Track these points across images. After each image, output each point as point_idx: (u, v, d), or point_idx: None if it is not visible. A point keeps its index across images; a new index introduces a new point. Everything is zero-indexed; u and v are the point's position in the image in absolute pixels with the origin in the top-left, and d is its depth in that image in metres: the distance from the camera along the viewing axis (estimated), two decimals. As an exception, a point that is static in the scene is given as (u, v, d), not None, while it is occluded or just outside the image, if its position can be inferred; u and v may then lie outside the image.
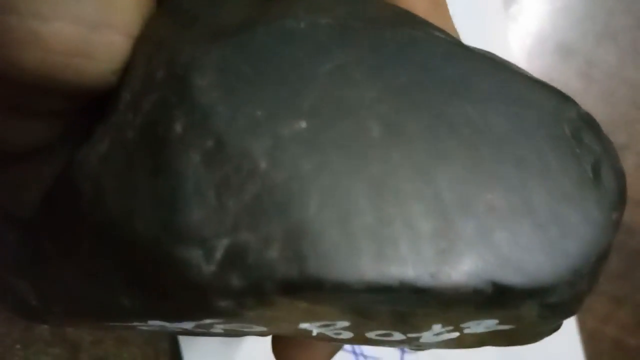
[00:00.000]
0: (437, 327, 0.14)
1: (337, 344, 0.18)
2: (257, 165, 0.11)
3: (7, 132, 0.14)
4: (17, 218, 0.15)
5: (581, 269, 0.13)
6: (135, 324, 0.14)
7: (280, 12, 0.13)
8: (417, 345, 0.15)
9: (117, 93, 0.13)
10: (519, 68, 0.15)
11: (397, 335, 0.14)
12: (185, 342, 0.27)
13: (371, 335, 0.15)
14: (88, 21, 0.12)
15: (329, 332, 0.14)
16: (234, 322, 0.13)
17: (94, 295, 0.13)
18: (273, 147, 0.12)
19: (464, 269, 0.12)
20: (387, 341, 0.15)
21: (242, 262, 0.11)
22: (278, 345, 0.18)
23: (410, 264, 0.12)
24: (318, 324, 0.14)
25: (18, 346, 0.27)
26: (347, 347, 0.28)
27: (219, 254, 0.11)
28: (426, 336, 0.14)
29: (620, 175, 0.14)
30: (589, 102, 0.33)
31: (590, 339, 0.31)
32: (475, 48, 0.14)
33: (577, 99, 0.15)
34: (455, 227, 0.12)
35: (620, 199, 0.14)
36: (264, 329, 0.14)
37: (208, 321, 0.13)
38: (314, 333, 0.14)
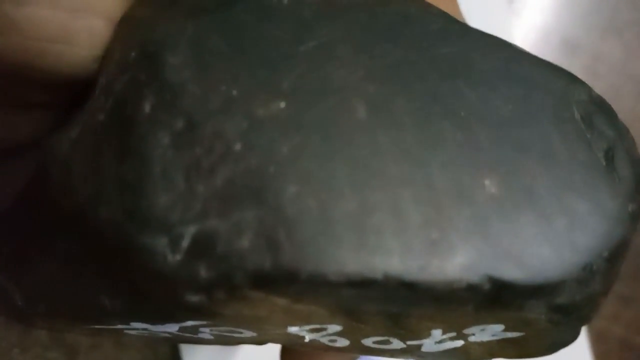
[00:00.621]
0: (437, 333, 0.13)
1: (351, 356, 0.18)
2: (231, 148, 0.11)
3: (4, 122, 0.13)
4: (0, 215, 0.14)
5: (592, 265, 0.12)
6: (119, 326, 0.13)
7: None
8: (420, 357, 0.15)
9: (95, 79, 0.12)
10: (524, 50, 0.14)
11: (396, 343, 0.14)
12: (185, 346, 0.27)
13: (368, 342, 0.14)
14: (67, 5, 0.11)
15: (322, 338, 0.14)
16: (216, 325, 0.12)
17: (75, 294, 0.13)
18: (248, 128, 0.11)
19: (457, 261, 0.11)
20: (387, 350, 0.14)
21: (211, 252, 0.10)
22: (286, 358, 0.18)
23: (397, 255, 0.11)
24: (307, 327, 0.13)
25: (16, 350, 0.27)
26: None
27: (185, 242, 0.11)
28: (428, 344, 0.14)
29: (637, 164, 0.13)
30: (594, 97, 0.33)
31: (597, 339, 0.31)
32: (476, 29, 0.13)
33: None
34: (448, 215, 0.11)
35: (638, 188, 0.13)
36: (253, 334, 0.14)
37: (190, 323, 0.12)
38: (307, 339, 0.14)
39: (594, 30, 0.35)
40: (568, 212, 0.12)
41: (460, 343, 0.13)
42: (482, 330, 0.13)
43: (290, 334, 0.13)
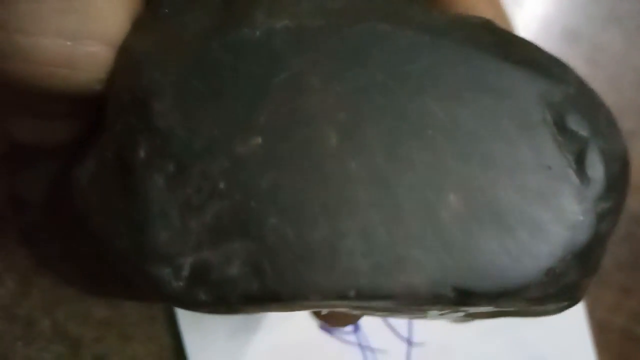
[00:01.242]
0: (434, 313, 0.14)
1: None
2: (216, 186, 0.12)
3: (28, 132, 0.15)
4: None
5: (554, 269, 0.12)
6: None
7: (240, 16, 0.13)
8: (432, 318, 0.15)
9: (104, 107, 0.14)
10: (518, 40, 0.14)
11: (403, 315, 0.15)
12: (189, 338, 0.27)
13: (377, 314, 0.15)
14: (69, 34, 0.13)
15: (336, 309, 0.15)
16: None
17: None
18: (230, 166, 0.12)
19: (422, 276, 0.12)
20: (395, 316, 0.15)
21: (207, 279, 0.12)
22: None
23: (366, 275, 0.12)
24: (318, 309, 0.14)
25: (19, 343, 0.27)
26: (353, 340, 0.28)
27: (185, 272, 0.12)
28: (431, 314, 0.14)
29: (610, 162, 0.13)
30: (596, 87, 0.33)
31: (599, 329, 0.31)
32: (464, 24, 0.14)
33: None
34: (414, 234, 0.12)
35: (611, 185, 0.13)
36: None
37: None
38: (323, 312, 0.15)
39: (595, 20, 0.35)
40: (529, 222, 0.12)
41: (461, 313, 0.14)
42: (475, 309, 0.13)
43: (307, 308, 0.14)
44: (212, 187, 0.12)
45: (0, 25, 0.12)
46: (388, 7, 0.13)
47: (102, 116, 0.14)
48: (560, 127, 0.13)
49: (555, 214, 0.12)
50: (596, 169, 0.13)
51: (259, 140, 0.12)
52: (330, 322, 0.20)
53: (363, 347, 0.28)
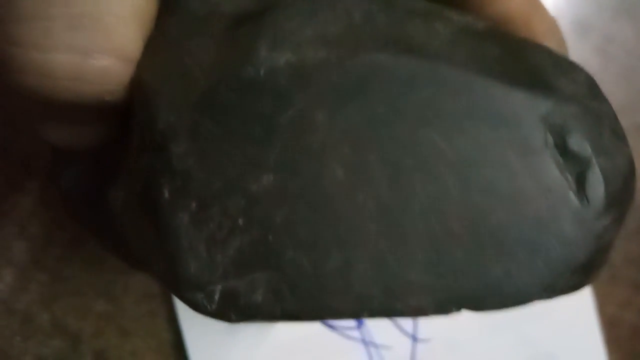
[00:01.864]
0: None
1: None
2: (236, 222, 0.13)
3: (61, 136, 0.16)
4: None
5: (554, 284, 0.13)
6: None
7: (244, 50, 0.13)
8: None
9: (131, 130, 0.15)
10: (525, 45, 0.14)
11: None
12: (189, 333, 0.26)
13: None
14: (80, 49, 0.13)
15: None
16: None
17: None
18: (246, 204, 0.13)
19: (428, 299, 0.13)
20: None
21: (236, 303, 0.13)
22: None
23: (377, 299, 0.13)
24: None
25: (18, 338, 0.27)
26: (356, 336, 0.28)
27: (216, 297, 0.13)
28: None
29: (611, 178, 0.13)
30: (607, 79, 0.32)
31: (609, 325, 0.31)
32: (469, 34, 0.14)
33: (596, 77, 0.14)
34: (420, 260, 0.13)
35: (612, 202, 0.13)
36: None
37: None
38: None
39: (605, 11, 0.35)
40: (529, 245, 0.13)
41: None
42: None
43: None
44: (232, 224, 0.13)
45: (17, 42, 0.13)
46: (389, 27, 0.14)
47: (128, 125, 0.15)
48: (562, 148, 0.13)
49: (555, 236, 0.13)
50: (596, 187, 0.13)
51: (271, 177, 0.13)
52: None
53: (367, 342, 0.28)
